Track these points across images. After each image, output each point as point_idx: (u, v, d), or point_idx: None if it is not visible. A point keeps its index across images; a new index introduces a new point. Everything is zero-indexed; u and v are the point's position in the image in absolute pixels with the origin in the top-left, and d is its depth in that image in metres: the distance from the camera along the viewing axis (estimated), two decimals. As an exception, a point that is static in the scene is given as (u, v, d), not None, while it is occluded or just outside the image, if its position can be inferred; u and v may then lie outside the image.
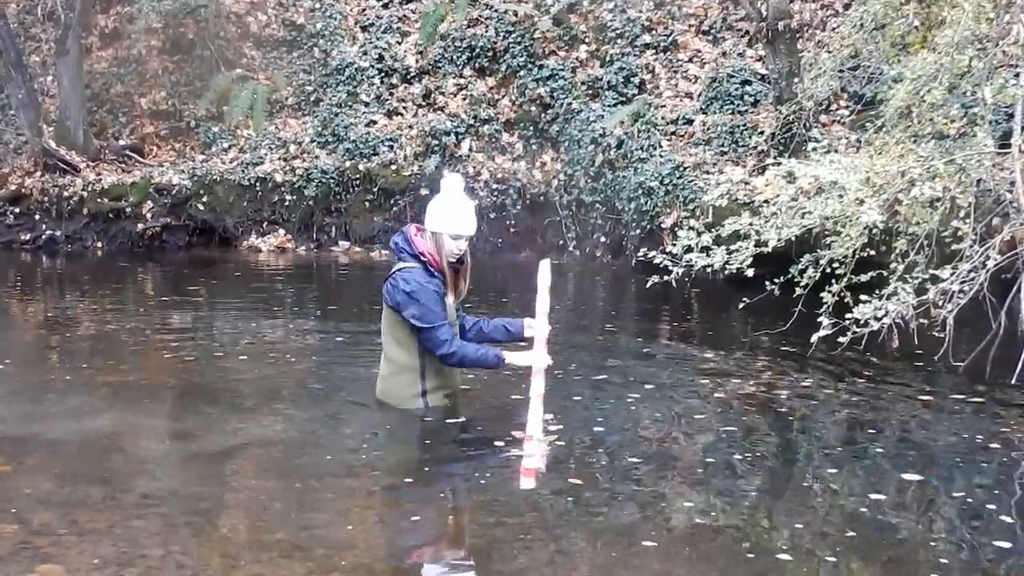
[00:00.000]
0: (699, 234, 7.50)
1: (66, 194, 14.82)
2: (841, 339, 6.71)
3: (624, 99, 14.16)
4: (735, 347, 8.13)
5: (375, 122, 15.24)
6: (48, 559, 3.84)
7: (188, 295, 11.21)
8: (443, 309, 5.55)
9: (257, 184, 14.73)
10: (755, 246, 7.37)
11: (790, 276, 7.49)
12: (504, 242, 14.18)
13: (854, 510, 4.54)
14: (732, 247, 7.43)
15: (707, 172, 12.24)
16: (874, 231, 7.26)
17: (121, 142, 15.87)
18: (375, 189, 14.68)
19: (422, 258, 5.59)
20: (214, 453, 5.26)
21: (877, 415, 6.16)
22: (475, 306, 9.21)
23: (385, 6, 16.67)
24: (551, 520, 4.39)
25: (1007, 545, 4.16)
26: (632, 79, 14.42)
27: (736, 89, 13.39)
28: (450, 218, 5.58)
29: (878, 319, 6.60)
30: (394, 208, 14.60)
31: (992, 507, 4.64)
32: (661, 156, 12.68)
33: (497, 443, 5.35)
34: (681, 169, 12.33)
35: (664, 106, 13.92)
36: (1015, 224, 6.75)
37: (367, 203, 14.79)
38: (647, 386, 6.79)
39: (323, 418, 5.82)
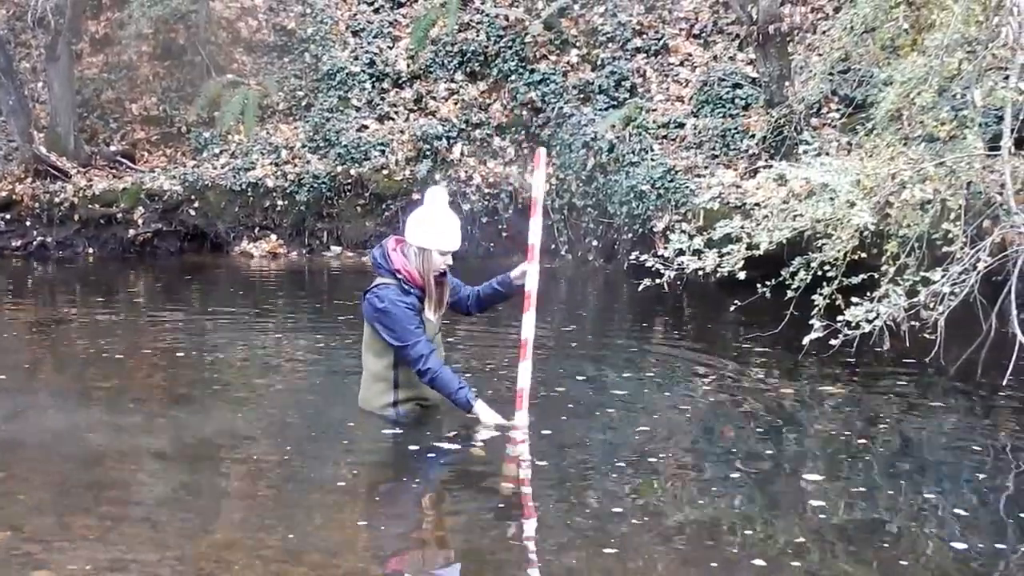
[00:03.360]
0: (691, 237, 7.50)
1: (57, 200, 14.78)
2: (833, 341, 6.71)
3: (615, 103, 14.18)
4: (727, 350, 8.14)
5: (366, 127, 15.22)
6: (40, 565, 3.83)
7: (180, 301, 11.20)
8: (418, 325, 5.52)
9: (248, 189, 14.70)
10: (747, 249, 7.38)
11: (782, 279, 7.49)
12: (496, 247, 14.18)
13: (845, 512, 4.55)
14: (724, 250, 7.43)
15: (698, 175, 12.26)
16: (865, 233, 7.27)
17: (112, 148, 15.84)
18: (367, 194, 14.66)
19: (398, 275, 5.56)
20: (206, 459, 5.25)
21: (868, 417, 6.17)
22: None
23: (376, 11, 16.66)
24: (539, 523, 4.39)
25: (999, 547, 4.17)
26: (623, 83, 14.44)
27: (727, 93, 13.41)
28: (439, 234, 5.56)
29: (869, 321, 6.60)
30: (386, 213, 14.58)
31: (983, 509, 4.65)
32: (652, 160, 12.68)
33: (483, 450, 5.35)
34: (673, 173, 12.34)
35: (655, 110, 13.94)
36: (1005, 226, 6.76)
37: (359, 208, 14.78)
38: (639, 390, 6.80)
39: (315, 425, 5.82)
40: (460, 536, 4.36)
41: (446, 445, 5.42)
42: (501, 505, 4.67)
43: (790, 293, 7.40)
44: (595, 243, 13.57)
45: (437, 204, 5.62)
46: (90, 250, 14.95)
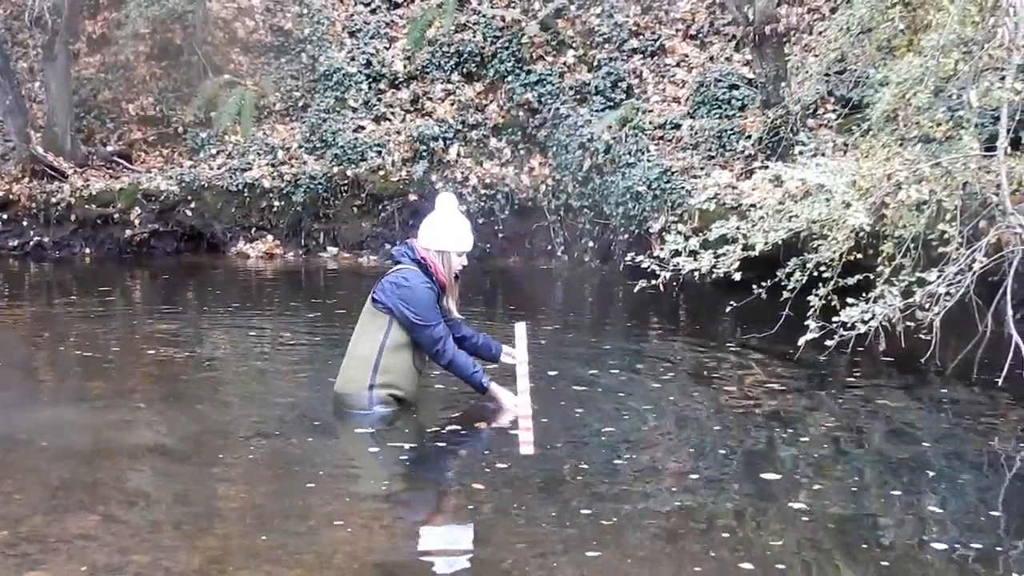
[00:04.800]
0: (687, 238, 7.51)
1: (54, 200, 14.75)
2: (828, 342, 6.73)
3: (612, 104, 14.17)
4: (723, 351, 8.15)
5: (363, 127, 15.20)
6: (36, 565, 3.83)
7: (176, 301, 11.20)
8: (439, 310, 5.81)
9: (245, 190, 14.68)
10: (742, 250, 7.39)
11: (777, 280, 7.50)
12: (492, 247, 14.17)
13: (841, 513, 4.55)
14: (720, 251, 7.44)
15: (695, 176, 12.25)
16: (861, 234, 7.28)
17: (109, 148, 15.81)
18: (363, 195, 14.64)
19: (423, 262, 5.82)
20: (202, 459, 5.26)
21: (864, 418, 6.18)
22: (463, 310, 9.21)
23: (372, 12, 16.65)
24: (537, 522, 4.39)
25: (994, 548, 4.17)
26: (620, 84, 14.43)
27: (723, 93, 13.39)
28: (456, 237, 5.95)
29: (865, 322, 6.61)
30: (382, 214, 14.57)
31: (979, 510, 4.65)
32: (649, 160, 12.68)
33: (473, 450, 5.35)
34: (669, 173, 12.34)
35: (652, 111, 13.93)
36: (1001, 227, 6.77)
37: (355, 209, 14.75)
38: (634, 390, 6.81)
39: (309, 424, 5.83)
40: (453, 536, 4.37)
41: (439, 445, 5.43)
42: (491, 504, 4.67)
43: (786, 294, 7.41)
44: (591, 244, 13.57)
45: (449, 208, 6.00)
46: (87, 250, 14.92)
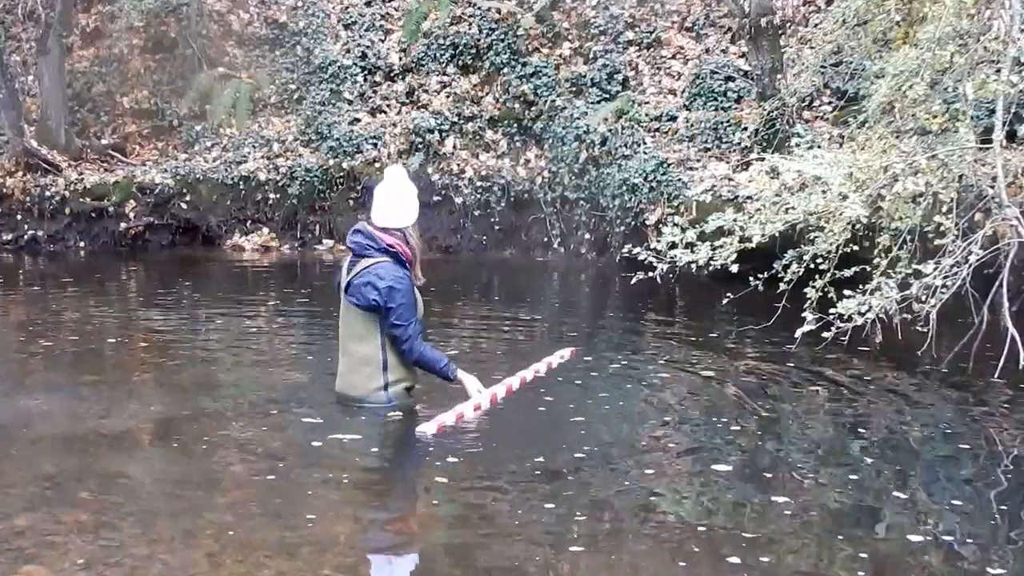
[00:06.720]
0: (683, 230, 7.50)
1: (48, 194, 14.74)
2: (825, 334, 6.73)
3: (608, 96, 14.17)
4: (720, 343, 8.14)
5: (358, 120, 15.19)
6: (32, 559, 3.81)
7: (172, 295, 11.17)
8: (415, 303, 5.72)
9: (240, 183, 14.67)
10: (739, 242, 7.38)
11: (774, 272, 7.50)
12: (488, 239, 14.18)
13: (833, 505, 4.55)
14: (716, 243, 7.43)
15: (691, 168, 12.27)
16: (857, 226, 7.27)
17: (103, 141, 15.80)
18: (359, 187, 14.61)
19: (391, 250, 5.67)
20: (198, 453, 5.24)
21: (860, 410, 6.18)
22: (462, 304, 9.20)
23: (368, 4, 16.62)
24: (534, 516, 4.38)
25: (989, 540, 4.17)
26: (616, 76, 14.43)
27: (719, 85, 13.40)
28: (416, 205, 5.83)
29: (862, 314, 6.61)
30: (378, 206, 14.53)
31: (974, 502, 4.65)
32: (645, 153, 12.68)
33: (468, 443, 5.34)
34: (665, 165, 12.34)
35: (648, 103, 13.94)
36: (997, 219, 6.78)
37: (351, 201, 14.72)
38: (628, 382, 6.80)
39: (305, 418, 5.80)
40: (449, 531, 4.36)
41: (434, 437, 5.42)
42: (488, 498, 4.65)
43: (782, 286, 7.40)
44: (587, 236, 13.57)
45: (402, 178, 5.82)
46: (81, 244, 14.91)
